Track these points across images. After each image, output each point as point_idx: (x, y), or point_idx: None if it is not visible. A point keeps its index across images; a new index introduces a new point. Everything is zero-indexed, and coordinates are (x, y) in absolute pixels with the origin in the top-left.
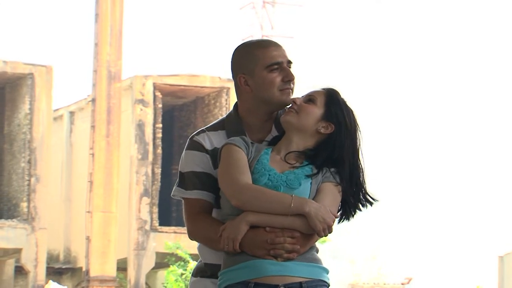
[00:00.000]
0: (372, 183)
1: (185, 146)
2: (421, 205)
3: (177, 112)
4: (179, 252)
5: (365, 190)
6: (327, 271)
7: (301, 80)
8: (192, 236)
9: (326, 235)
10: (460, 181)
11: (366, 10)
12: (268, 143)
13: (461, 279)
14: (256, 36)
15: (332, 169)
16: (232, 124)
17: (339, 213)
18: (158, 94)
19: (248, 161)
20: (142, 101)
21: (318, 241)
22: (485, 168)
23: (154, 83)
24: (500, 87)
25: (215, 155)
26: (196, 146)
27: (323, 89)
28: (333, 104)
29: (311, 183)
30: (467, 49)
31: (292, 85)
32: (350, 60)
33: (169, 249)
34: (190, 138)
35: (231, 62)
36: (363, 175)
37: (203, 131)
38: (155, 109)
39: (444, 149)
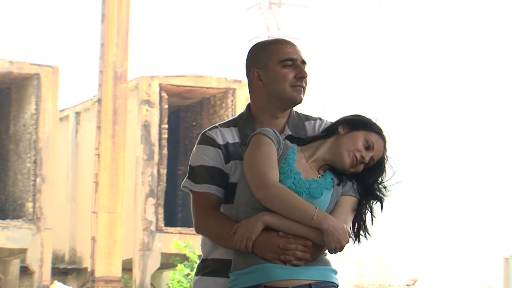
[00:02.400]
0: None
1: (197, 141)
2: (426, 206)
3: (183, 113)
4: (187, 253)
5: (364, 223)
6: (335, 272)
7: (308, 81)
8: (199, 230)
9: (336, 253)
10: (466, 182)
11: (372, 11)
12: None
13: (466, 280)
14: (263, 37)
15: (353, 181)
16: (244, 122)
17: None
18: (164, 95)
19: (277, 155)
20: (148, 102)
21: None
22: (491, 170)
23: (160, 84)
24: (509, 87)
25: (227, 149)
26: (208, 140)
27: (383, 138)
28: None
29: (332, 194)
30: (475, 51)
31: (304, 84)
32: (356, 61)
33: (178, 248)
34: (202, 133)
35: (246, 60)
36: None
37: (215, 127)
38: (161, 109)
39: (449, 150)
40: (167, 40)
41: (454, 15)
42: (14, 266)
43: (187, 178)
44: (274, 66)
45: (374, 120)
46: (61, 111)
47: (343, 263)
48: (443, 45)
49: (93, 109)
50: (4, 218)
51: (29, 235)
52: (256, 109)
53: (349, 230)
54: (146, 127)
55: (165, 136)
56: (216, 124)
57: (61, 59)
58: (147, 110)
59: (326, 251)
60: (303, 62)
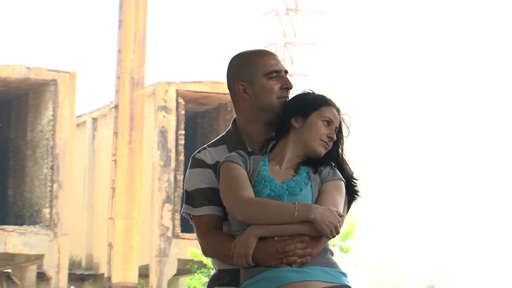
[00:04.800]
0: (392, 190)
1: (189, 165)
2: (442, 212)
3: (200, 119)
4: (204, 260)
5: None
6: (346, 275)
7: (324, 86)
8: (207, 254)
9: (334, 237)
10: (483, 188)
11: (388, 17)
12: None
13: (483, 286)
14: (279, 43)
15: (328, 167)
16: (232, 138)
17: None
18: (181, 100)
19: (248, 174)
20: (165, 108)
21: (340, 251)
22: (509, 175)
23: (177, 90)
24: (505, 87)
25: (217, 168)
26: (198, 163)
27: (331, 103)
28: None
29: (311, 186)
30: (480, 52)
31: (288, 95)
32: (372, 66)
33: (195, 256)
34: (192, 157)
35: (228, 71)
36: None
37: (204, 148)
38: (177, 115)
39: (467, 155)
40: (184, 46)
41: (471, 19)
42: (31, 272)
43: (185, 203)
44: (260, 79)
45: (309, 91)
46: (78, 117)
47: (358, 269)
48: (461, 51)
49: (110, 115)
50: (21, 224)
51: (46, 241)
52: (242, 123)
53: (339, 210)
54: (163, 133)
55: (182, 142)
56: (205, 145)
57: (78, 65)
58: (164, 116)
59: (330, 247)
60: (286, 72)
